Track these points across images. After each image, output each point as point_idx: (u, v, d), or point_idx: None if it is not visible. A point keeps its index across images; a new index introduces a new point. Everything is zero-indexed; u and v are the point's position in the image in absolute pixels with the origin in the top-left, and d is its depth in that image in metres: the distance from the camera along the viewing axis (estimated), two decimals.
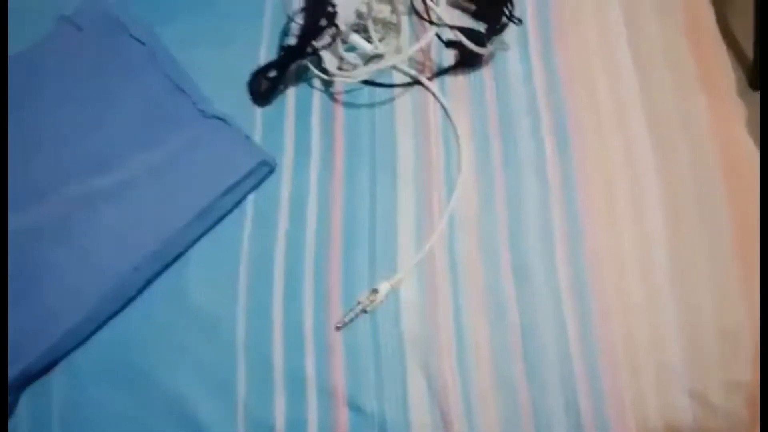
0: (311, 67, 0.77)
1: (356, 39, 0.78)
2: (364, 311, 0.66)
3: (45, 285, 0.65)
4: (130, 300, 0.67)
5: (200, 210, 0.68)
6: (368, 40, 0.78)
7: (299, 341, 0.65)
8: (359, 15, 0.77)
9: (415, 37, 0.81)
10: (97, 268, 0.65)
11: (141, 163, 0.71)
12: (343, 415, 0.62)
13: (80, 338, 0.65)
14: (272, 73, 0.76)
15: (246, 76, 0.77)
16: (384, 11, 0.79)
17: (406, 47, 0.79)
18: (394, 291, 0.67)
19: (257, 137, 0.74)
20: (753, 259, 0.71)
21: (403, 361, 0.64)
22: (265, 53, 0.80)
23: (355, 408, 0.62)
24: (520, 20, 0.80)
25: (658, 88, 0.78)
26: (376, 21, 0.79)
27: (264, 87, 0.76)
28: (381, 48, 0.78)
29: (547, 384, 0.64)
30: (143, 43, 0.78)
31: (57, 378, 0.64)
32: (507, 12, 0.79)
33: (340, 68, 0.77)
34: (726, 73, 0.83)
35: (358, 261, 0.69)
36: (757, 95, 1.25)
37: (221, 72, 0.78)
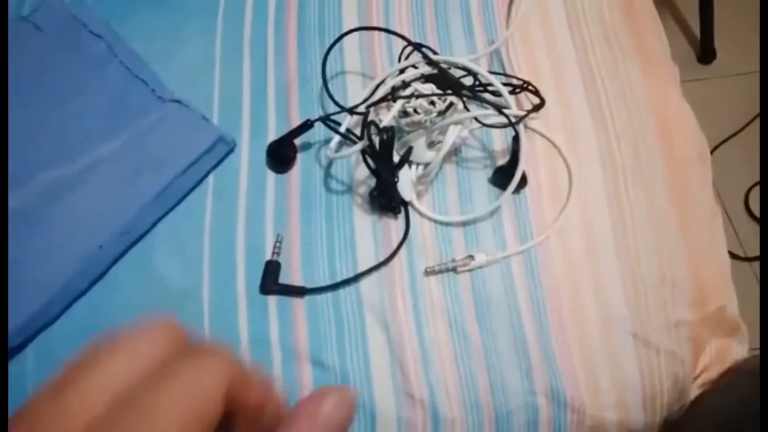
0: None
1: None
2: (454, 270, 0.69)
3: (13, 272, 0.67)
4: (100, 278, 0.69)
5: (161, 189, 0.70)
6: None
7: (263, 308, 0.68)
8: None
9: None
10: (64, 251, 0.68)
11: (104, 150, 0.73)
12: (307, 370, 0.66)
13: (50, 318, 0.67)
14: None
15: (202, 70, 0.80)
16: None
17: None
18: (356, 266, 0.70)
19: (215, 120, 0.77)
20: (688, 211, 0.75)
21: (363, 319, 0.68)
22: (220, 47, 0.83)
23: (318, 364, 0.66)
24: None
25: (595, 59, 0.83)
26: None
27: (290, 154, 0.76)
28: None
29: (499, 335, 0.68)
30: (101, 38, 0.81)
31: (30, 357, 0.66)
32: None
33: None
34: (659, 41, 0.88)
35: (315, 232, 0.72)
36: (694, 62, 1.33)
37: (178, 65, 0.81)
